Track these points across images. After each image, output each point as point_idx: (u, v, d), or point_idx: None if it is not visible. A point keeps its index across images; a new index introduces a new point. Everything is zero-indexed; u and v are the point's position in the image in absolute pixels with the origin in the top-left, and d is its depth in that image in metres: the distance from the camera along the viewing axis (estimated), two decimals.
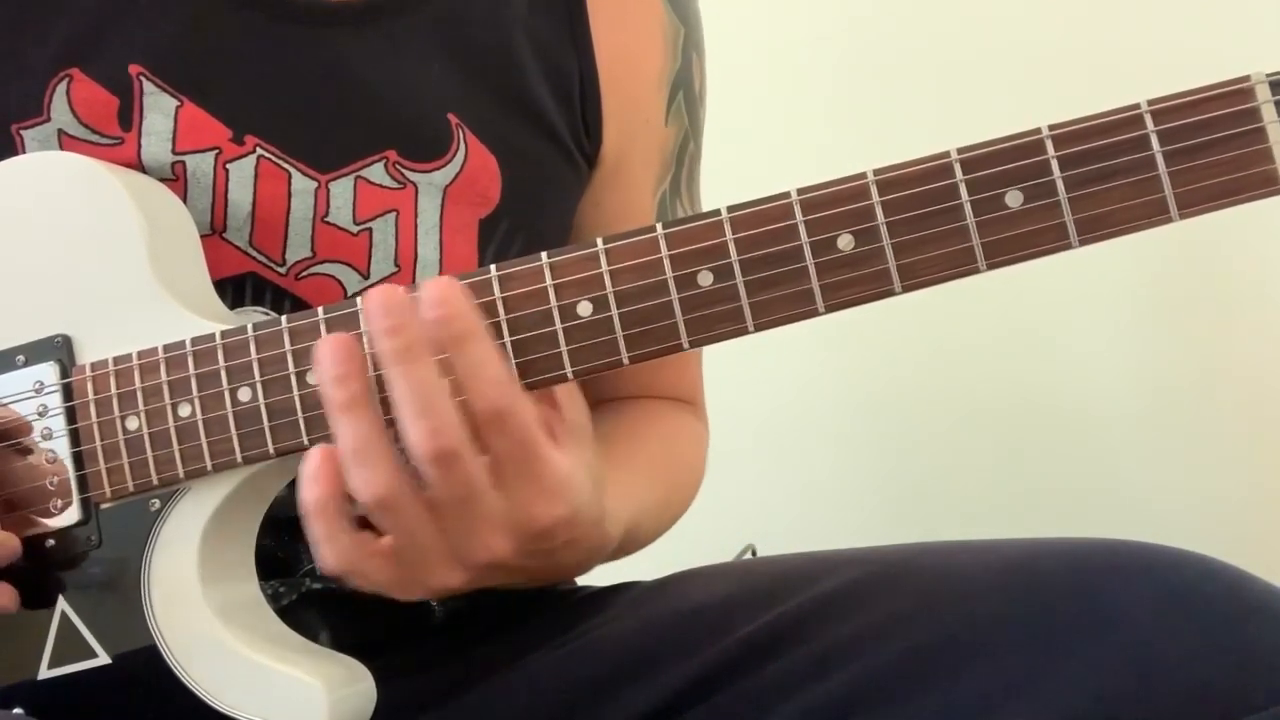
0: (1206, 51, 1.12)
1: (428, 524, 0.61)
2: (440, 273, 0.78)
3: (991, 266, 0.57)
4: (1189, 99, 0.55)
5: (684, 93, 0.89)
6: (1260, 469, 1.17)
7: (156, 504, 0.67)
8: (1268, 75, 0.55)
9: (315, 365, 0.60)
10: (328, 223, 0.75)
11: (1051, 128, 0.57)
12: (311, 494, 0.60)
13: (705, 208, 0.93)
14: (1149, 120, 0.55)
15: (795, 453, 1.34)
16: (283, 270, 0.75)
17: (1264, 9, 1.09)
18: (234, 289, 0.75)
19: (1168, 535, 0.66)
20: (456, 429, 0.58)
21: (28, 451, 0.69)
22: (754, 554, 1.15)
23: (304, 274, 0.76)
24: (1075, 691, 0.59)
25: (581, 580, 0.92)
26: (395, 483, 0.59)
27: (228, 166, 0.73)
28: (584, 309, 0.61)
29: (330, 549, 0.61)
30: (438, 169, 0.78)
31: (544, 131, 0.82)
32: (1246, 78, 0.55)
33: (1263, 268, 1.14)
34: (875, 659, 0.65)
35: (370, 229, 0.76)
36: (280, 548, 0.77)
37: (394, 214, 0.77)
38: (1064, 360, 1.27)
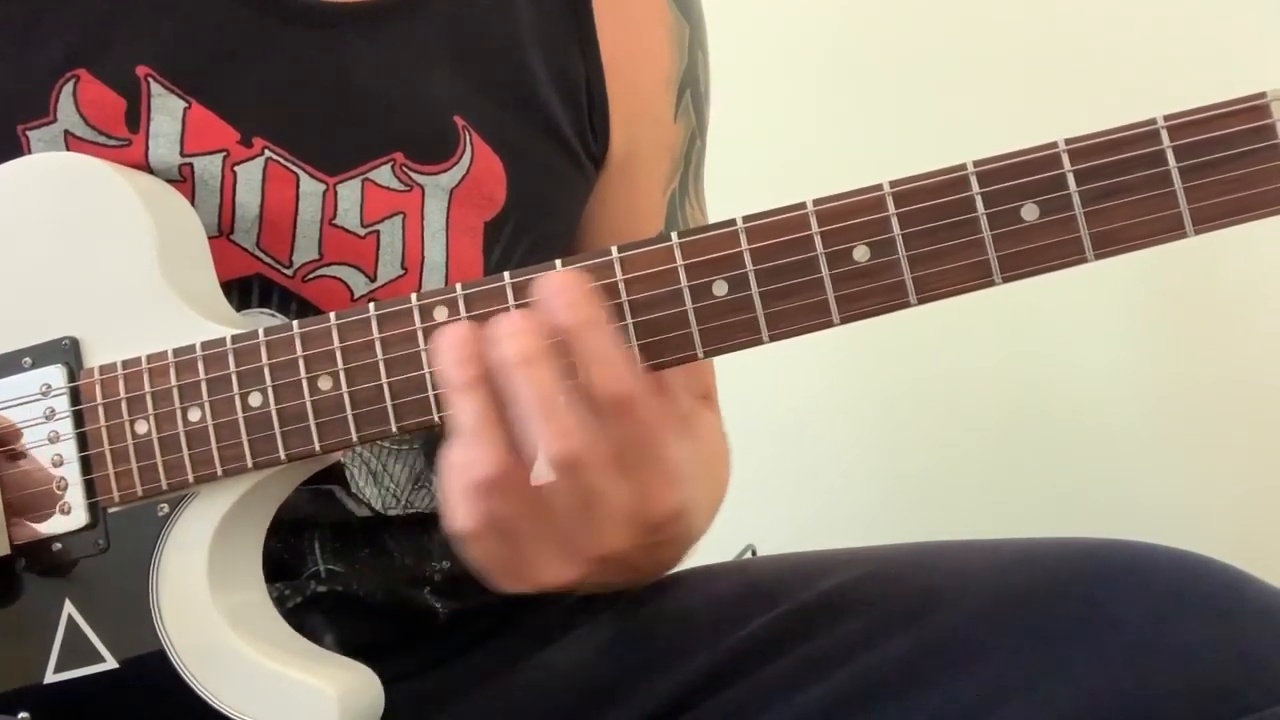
0: (1218, 59, 1.12)
1: (538, 519, 0.60)
2: (446, 276, 0.78)
3: (1007, 279, 0.57)
4: (1204, 115, 0.55)
5: (691, 91, 0.89)
6: (1260, 469, 1.18)
7: (165, 508, 0.67)
8: None
9: (434, 351, 0.60)
10: (335, 225, 0.75)
11: (1068, 141, 0.57)
12: (451, 453, 0.60)
13: (709, 210, 0.94)
14: (1165, 136, 0.56)
15: (795, 453, 1.34)
16: (289, 272, 0.75)
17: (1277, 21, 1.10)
18: (241, 291, 0.74)
19: (1168, 535, 0.66)
20: (586, 431, 0.58)
21: (33, 455, 0.69)
22: (754, 554, 1.16)
23: (311, 276, 0.75)
24: (1074, 691, 0.60)
25: None
26: (503, 463, 0.58)
27: (235, 169, 0.73)
28: None
29: (454, 507, 0.60)
30: (444, 171, 0.78)
31: (549, 133, 0.82)
32: (1262, 94, 0.55)
33: (1261, 268, 1.14)
34: (875, 659, 0.66)
35: (377, 231, 0.76)
36: (286, 550, 0.77)
37: (401, 216, 0.77)
38: (1063, 360, 1.27)
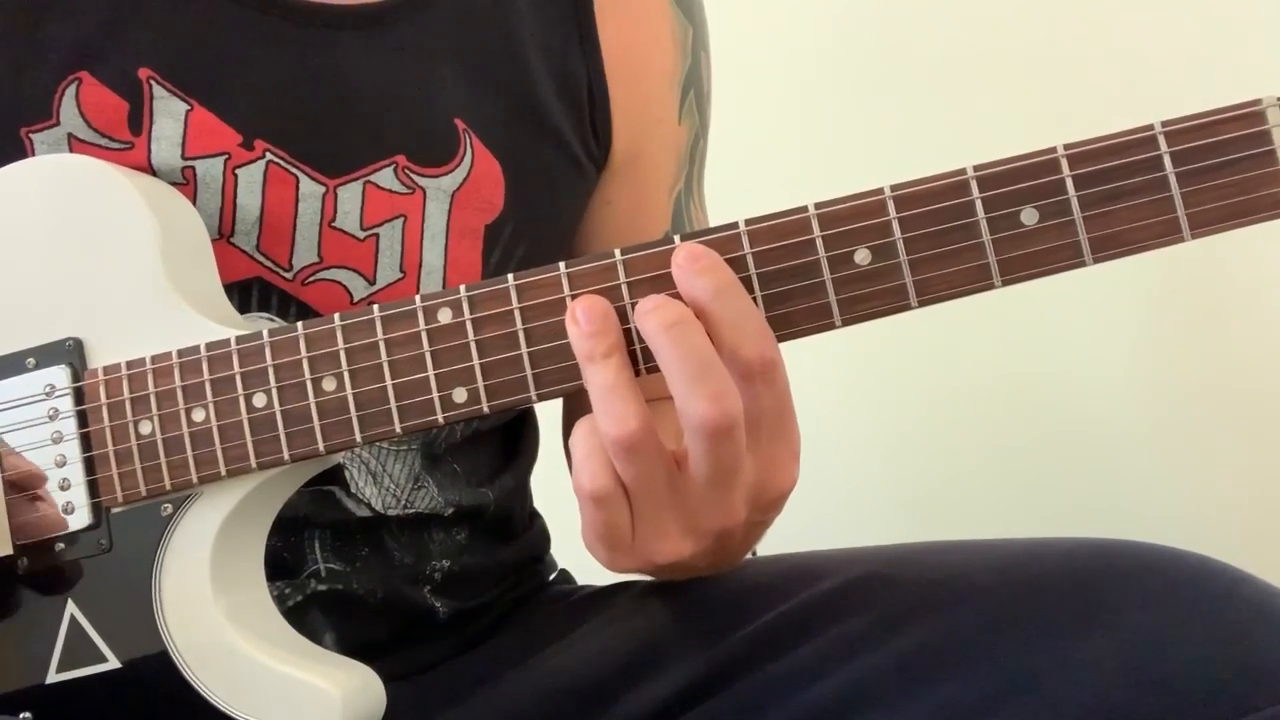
0: (1216, 64, 1.13)
1: (670, 486, 0.60)
2: (444, 279, 0.78)
3: (1007, 283, 0.58)
4: (1201, 121, 0.56)
5: (695, 92, 0.90)
6: (1260, 470, 1.18)
7: (168, 508, 0.67)
8: (1279, 99, 0.56)
9: (569, 322, 0.60)
10: (334, 228, 0.75)
11: (1067, 147, 0.57)
12: (586, 419, 0.60)
13: (709, 211, 0.94)
14: (1162, 141, 0.56)
15: None
16: (289, 275, 0.75)
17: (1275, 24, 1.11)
18: (241, 293, 0.75)
19: (1168, 535, 0.67)
20: (736, 396, 0.58)
21: (36, 455, 0.69)
22: (754, 554, 1.15)
23: (310, 279, 0.76)
24: (1074, 691, 0.60)
25: (581, 580, 0.93)
26: (646, 421, 0.58)
27: (237, 172, 0.73)
28: None
29: (589, 467, 0.60)
30: (446, 174, 0.78)
31: (549, 136, 0.82)
32: (1258, 101, 0.56)
33: (1261, 269, 1.15)
34: (875, 658, 0.66)
35: (377, 235, 0.76)
36: (286, 548, 0.77)
37: (402, 219, 0.77)
38: (1064, 361, 1.28)
